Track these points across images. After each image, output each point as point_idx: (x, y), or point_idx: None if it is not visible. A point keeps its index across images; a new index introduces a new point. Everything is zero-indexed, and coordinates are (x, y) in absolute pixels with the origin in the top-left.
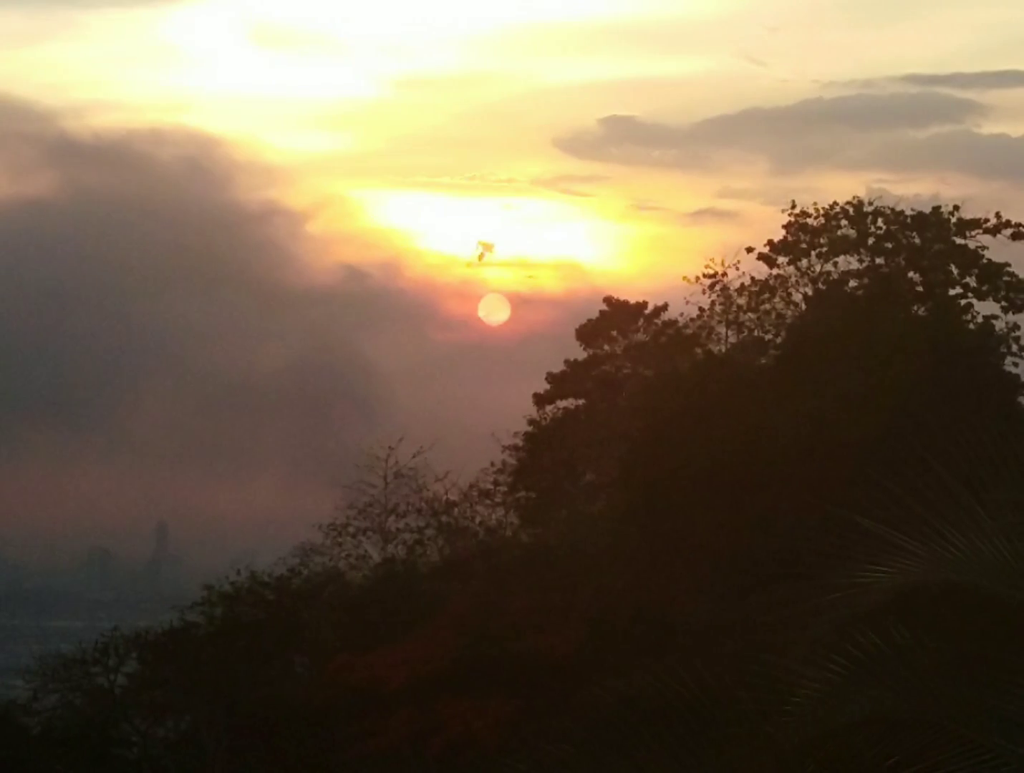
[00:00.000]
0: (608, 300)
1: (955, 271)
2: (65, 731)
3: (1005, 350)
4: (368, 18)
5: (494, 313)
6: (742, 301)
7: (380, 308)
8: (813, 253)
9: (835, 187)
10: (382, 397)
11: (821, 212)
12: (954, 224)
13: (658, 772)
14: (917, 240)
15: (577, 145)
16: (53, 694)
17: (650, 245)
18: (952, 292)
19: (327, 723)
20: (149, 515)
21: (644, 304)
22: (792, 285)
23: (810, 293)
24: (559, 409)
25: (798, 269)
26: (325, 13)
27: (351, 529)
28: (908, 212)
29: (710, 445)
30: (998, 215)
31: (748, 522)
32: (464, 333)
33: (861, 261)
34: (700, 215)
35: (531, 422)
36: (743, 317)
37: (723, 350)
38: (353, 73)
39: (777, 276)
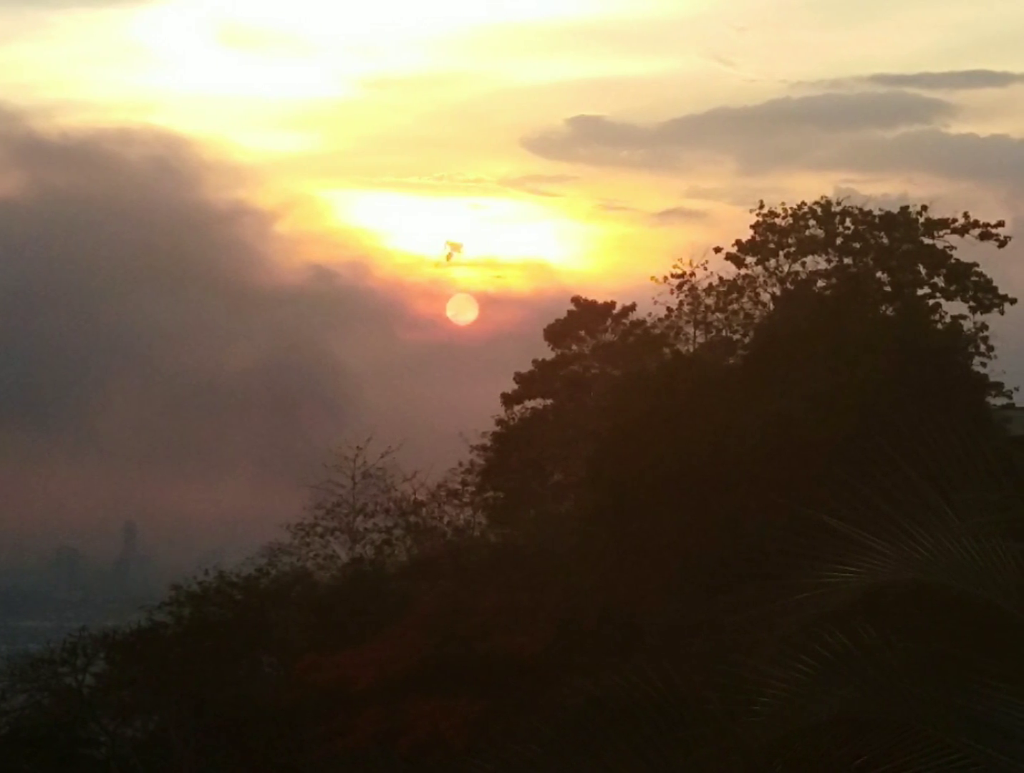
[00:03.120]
0: (576, 300)
1: (923, 271)
2: (33, 731)
3: (973, 350)
4: (336, 18)
5: (462, 313)
6: (710, 301)
7: (348, 308)
8: (781, 253)
9: (803, 187)
10: (350, 397)
11: (789, 212)
12: (922, 224)
13: (626, 772)
14: (885, 240)
15: (545, 145)
16: (21, 694)
17: (618, 245)
18: (920, 292)
19: (295, 723)
20: (117, 515)
21: (612, 304)
22: (760, 285)
23: (778, 293)
24: (527, 409)
25: (766, 269)
26: (293, 13)
27: (319, 529)
28: (876, 212)
29: (678, 445)
30: (966, 215)
31: (716, 522)
32: (432, 333)
33: (829, 261)
34: (668, 215)
35: (499, 422)
36: (711, 317)
37: (691, 350)
38: (321, 73)
39: (745, 276)
